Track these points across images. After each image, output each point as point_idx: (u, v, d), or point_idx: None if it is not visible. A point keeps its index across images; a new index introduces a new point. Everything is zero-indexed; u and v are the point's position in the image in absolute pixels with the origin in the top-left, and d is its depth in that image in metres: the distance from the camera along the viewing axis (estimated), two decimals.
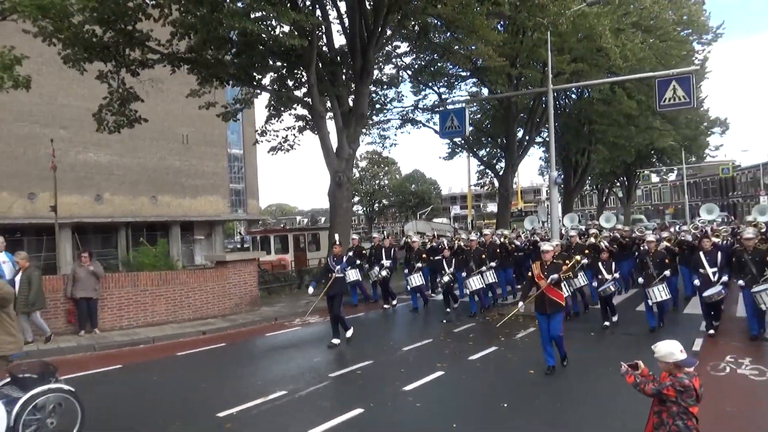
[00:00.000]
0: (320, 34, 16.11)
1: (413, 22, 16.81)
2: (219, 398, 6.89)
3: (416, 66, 23.75)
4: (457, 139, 27.40)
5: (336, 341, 9.99)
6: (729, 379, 7.16)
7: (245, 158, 49.68)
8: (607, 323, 10.68)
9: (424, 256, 14.24)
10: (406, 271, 14.42)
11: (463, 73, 25.22)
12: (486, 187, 34.99)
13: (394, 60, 22.14)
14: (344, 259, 10.46)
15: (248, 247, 49.76)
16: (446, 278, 12.90)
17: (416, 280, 13.68)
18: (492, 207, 72.25)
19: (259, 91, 18.09)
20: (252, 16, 11.83)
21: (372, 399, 6.73)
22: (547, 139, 31.15)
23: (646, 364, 4.15)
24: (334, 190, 15.96)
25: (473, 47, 17.15)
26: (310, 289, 10.65)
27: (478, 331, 10.99)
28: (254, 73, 15.46)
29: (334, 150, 16.00)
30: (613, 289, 10.65)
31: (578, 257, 9.13)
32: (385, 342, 10.35)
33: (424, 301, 14.01)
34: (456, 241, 14.95)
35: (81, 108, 30.70)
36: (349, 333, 10.24)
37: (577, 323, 11.17)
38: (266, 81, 17.23)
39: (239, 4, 12.07)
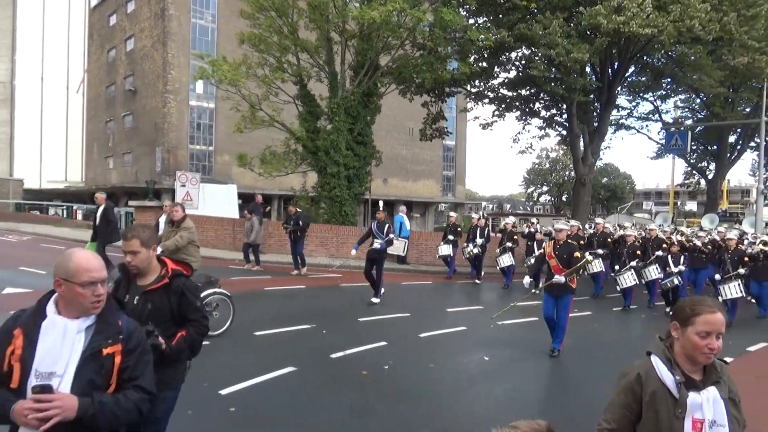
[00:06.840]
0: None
1: (648, 67, 21.94)
2: (361, 309, 10.02)
3: (635, 81, 28.21)
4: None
5: (375, 300, 10.66)
6: None
7: (456, 149, 57.26)
8: (668, 309, 10.97)
9: (515, 237, 14.57)
10: (497, 251, 14.63)
11: (678, 88, 28.87)
12: (691, 187, 37.63)
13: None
14: (385, 228, 10.73)
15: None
16: (532, 260, 12.82)
17: (505, 260, 14.11)
18: (690, 205, 71.03)
19: (528, 117, 24.68)
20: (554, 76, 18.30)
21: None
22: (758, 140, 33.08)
23: None
24: (579, 189, 21.93)
25: (696, 76, 21.56)
26: (353, 251, 11.49)
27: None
28: (532, 105, 22.27)
29: (581, 159, 21.94)
30: (676, 282, 10.94)
31: (589, 257, 8.25)
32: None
33: (508, 279, 14.13)
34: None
35: None
36: (375, 299, 10.69)
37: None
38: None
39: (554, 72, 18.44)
